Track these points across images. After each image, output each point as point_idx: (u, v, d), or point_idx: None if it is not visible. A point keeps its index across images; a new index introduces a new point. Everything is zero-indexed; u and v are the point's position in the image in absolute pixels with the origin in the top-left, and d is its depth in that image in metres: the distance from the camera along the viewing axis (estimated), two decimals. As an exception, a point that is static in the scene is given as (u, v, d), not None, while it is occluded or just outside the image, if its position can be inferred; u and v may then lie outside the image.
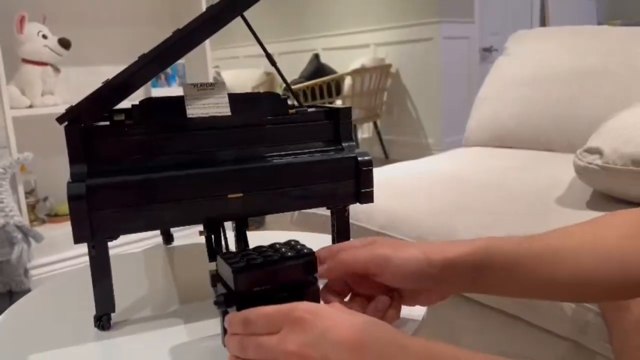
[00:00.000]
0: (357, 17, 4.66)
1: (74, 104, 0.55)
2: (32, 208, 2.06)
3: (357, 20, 4.66)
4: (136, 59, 0.57)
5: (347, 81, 4.06)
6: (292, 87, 3.13)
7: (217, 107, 0.60)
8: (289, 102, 0.65)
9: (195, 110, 0.59)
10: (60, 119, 0.55)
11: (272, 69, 0.70)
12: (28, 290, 1.82)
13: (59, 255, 1.95)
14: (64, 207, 2.14)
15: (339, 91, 4.14)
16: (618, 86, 1.38)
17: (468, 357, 0.38)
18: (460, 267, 0.49)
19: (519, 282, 0.49)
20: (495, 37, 4.35)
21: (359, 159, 0.62)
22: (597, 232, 0.52)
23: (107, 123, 0.59)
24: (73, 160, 0.55)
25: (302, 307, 0.41)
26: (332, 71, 4.49)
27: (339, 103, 4.12)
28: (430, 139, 4.26)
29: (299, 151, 0.62)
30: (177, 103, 0.59)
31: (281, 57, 5.38)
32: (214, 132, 0.60)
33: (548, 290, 0.51)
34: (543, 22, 4.98)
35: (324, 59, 4.74)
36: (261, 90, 5.01)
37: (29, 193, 2.04)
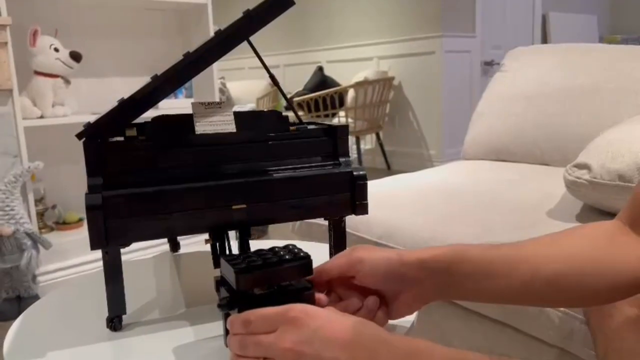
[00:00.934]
0: (360, 31, 4.73)
1: (91, 121, 0.60)
2: (41, 215, 2.12)
3: (360, 34, 4.73)
4: (148, 78, 0.62)
5: (350, 93, 4.12)
6: (296, 98, 3.21)
7: (223, 124, 0.65)
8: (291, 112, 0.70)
9: (203, 127, 0.64)
10: (79, 135, 0.59)
11: (277, 80, 0.75)
12: (36, 296, 1.87)
13: (66, 262, 2.00)
14: (72, 215, 2.20)
15: (342, 103, 4.20)
16: (608, 103, 1.42)
17: (448, 353, 0.42)
18: (431, 267, 0.53)
19: (488, 284, 0.53)
20: (497, 51, 4.40)
21: (354, 173, 0.67)
22: (569, 241, 0.56)
23: (121, 138, 0.64)
24: (90, 173, 0.59)
25: (297, 308, 0.45)
26: (335, 83, 4.56)
27: (342, 114, 4.18)
28: (432, 150, 4.30)
29: (298, 166, 0.67)
30: (187, 120, 0.64)
31: (286, 69, 5.45)
32: (220, 147, 0.64)
33: (518, 295, 0.55)
34: (544, 37, 5.04)
35: (328, 71, 4.80)
36: (266, 101, 5.06)
37: (38, 201, 2.09)
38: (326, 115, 4.13)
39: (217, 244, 0.63)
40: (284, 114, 0.68)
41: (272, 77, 0.74)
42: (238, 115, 0.65)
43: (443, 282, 0.53)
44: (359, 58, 4.72)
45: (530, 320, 0.88)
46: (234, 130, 0.64)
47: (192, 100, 2.46)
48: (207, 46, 0.62)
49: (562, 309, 0.84)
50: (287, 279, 0.54)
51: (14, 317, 1.83)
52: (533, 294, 0.54)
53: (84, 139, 0.60)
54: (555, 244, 0.57)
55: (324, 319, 0.44)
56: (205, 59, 0.63)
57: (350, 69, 4.66)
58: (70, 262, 1.99)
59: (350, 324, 0.44)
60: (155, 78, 0.61)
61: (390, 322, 0.57)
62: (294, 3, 0.65)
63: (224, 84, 5.07)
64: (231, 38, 0.63)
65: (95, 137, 0.60)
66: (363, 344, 0.42)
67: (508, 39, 4.55)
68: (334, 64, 4.94)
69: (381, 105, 4.31)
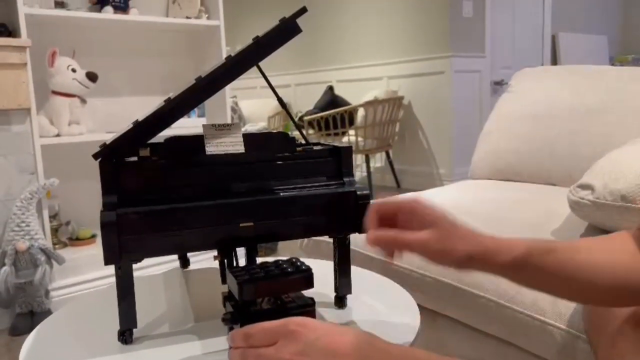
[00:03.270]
0: (370, 51, 4.79)
1: (107, 142, 0.63)
2: (55, 231, 2.15)
3: (370, 54, 4.79)
4: (162, 100, 0.65)
5: (360, 112, 4.16)
6: (307, 117, 3.24)
7: (232, 145, 0.68)
8: (301, 129, 0.73)
9: (213, 147, 0.67)
10: (95, 155, 0.62)
11: (287, 101, 0.78)
12: (48, 311, 1.89)
13: (78, 278, 2.03)
14: (85, 231, 2.24)
15: (352, 122, 4.23)
16: (615, 124, 1.43)
17: None
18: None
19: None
20: (507, 71, 4.43)
21: (358, 192, 0.69)
22: (610, 253, 0.60)
23: (135, 158, 0.67)
24: (105, 191, 0.62)
25: (294, 321, 0.47)
26: (345, 103, 4.60)
27: (352, 133, 4.21)
28: (441, 169, 4.31)
29: (304, 185, 0.70)
30: (198, 141, 0.67)
31: (297, 88, 5.52)
32: (229, 167, 0.67)
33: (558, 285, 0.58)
34: (554, 57, 5.06)
35: (338, 90, 4.85)
36: (277, 119, 5.08)
37: (52, 217, 2.14)
38: (336, 134, 4.16)
39: (226, 261, 0.66)
40: (293, 132, 0.71)
41: (280, 100, 0.77)
42: (247, 137, 0.68)
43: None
44: (369, 78, 4.77)
45: (532, 338, 0.89)
46: (243, 151, 0.67)
47: (204, 119, 2.51)
48: (218, 71, 0.65)
49: (564, 327, 0.85)
50: (289, 290, 0.56)
51: (27, 332, 1.85)
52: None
53: (100, 159, 0.63)
54: (602, 254, 0.60)
55: (322, 331, 0.46)
56: (217, 84, 0.66)
57: (360, 88, 4.71)
58: (82, 277, 2.02)
59: (348, 335, 0.46)
60: (168, 101, 0.64)
61: (395, 331, 0.59)
62: (300, 30, 0.68)
63: (235, 103, 5.14)
64: (241, 63, 0.66)
65: (111, 157, 0.63)
66: (361, 353, 0.44)
67: (518, 59, 4.58)
68: (344, 83, 5.00)
69: (391, 124, 4.34)
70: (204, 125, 0.68)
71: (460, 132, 4.23)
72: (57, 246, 2.13)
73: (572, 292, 0.61)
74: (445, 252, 0.56)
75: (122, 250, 0.61)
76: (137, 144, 0.66)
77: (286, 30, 0.67)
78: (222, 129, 0.68)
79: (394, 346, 0.46)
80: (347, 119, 4.19)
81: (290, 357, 0.45)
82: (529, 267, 0.57)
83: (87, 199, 2.25)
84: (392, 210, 0.58)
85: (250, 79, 5.58)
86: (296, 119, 4.65)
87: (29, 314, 1.87)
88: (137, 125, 0.64)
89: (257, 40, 0.66)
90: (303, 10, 0.67)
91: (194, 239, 0.64)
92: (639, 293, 0.58)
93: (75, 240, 2.21)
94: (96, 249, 2.15)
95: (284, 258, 0.63)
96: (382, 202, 0.58)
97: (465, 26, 4.21)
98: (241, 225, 0.65)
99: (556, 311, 0.87)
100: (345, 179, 0.71)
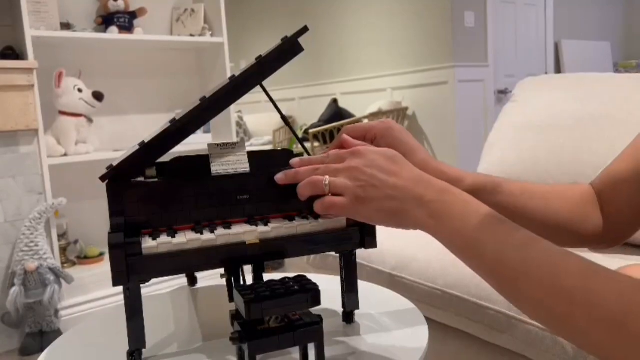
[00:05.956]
0: (374, 63, 4.82)
1: (114, 164, 0.64)
2: (63, 250, 2.17)
3: (374, 66, 4.82)
4: (167, 121, 0.66)
5: (365, 124, 4.17)
6: (312, 130, 3.25)
7: (237, 164, 0.68)
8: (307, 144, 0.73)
9: (218, 167, 0.67)
10: (102, 177, 0.63)
11: (292, 114, 0.79)
12: (58, 330, 1.90)
13: (87, 297, 2.04)
14: (93, 250, 2.25)
15: (357, 134, 4.25)
16: (621, 132, 1.43)
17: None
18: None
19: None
20: (510, 80, 4.44)
21: (364, 208, 0.69)
22: (557, 202, 0.70)
23: (142, 179, 0.68)
24: (113, 213, 0.63)
25: (360, 147, 0.60)
26: (350, 115, 4.62)
27: (357, 145, 4.22)
28: (448, 179, 4.31)
29: (309, 202, 0.70)
30: (203, 161, 0.67)
31: (301, 101, 5.55)
32: (234, 186, 0.68)
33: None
34: (557, 64, 5.07)
35: (342, 103, 4.87)
36: (282, 133, 5.09)
37: (61, 236, 2.15)
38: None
39: (232, 279, 0.66)
40: (298, 146, 0.72)
41: (283, 117, 0.77)
42: (251, 155, 0.69)
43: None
44: (373, 89, 4.79)
45: (544, 351, 0.88)
46: (248, 170, 0.68)
47: (209, 135, 2.52)
48: (222, 92, 0.66)
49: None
50: (296, 308, 0.56)
51: (37, 352, 1.86)
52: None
53: (107, 180, 0.63)
54: (547, 201, 0.70)
55: (379, 154, 0.59)
56: (221, 104, 0.67)
57: (365, 100, 4.73)
58: (91, 296, 2.03)
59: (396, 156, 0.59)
60: (174, 123, 0.65)
61: (404, 346, 0.58)
62: (302, 49, 0.69)
63: (240, 118, 5.17)
64: (245, 84, 0.67)
65: (118, 179, 0.64)
66: (410, 170, 0.57)
67: (521, 68, 4.59)
68: (349, 95, 5.02)
69: (396, 135, 4.35)
70: (209, 145, 0.68)
71: (465, 142, 4.23)
72: (65, 265, 2.14)
73: None
74: None
75: (130, 272, 0.61)
76: (143, 165, 0.67)
77: (288, 49, 0.68)
78: (226, 147, 0.69)
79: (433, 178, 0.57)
80: (352, 131, 4.20)
81: (356, 165, 0.58)
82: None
83: (94, 218, 2.26)
84: (362, 132, 0.68)
85: (255, 93, 5.60)
86: (301, 132, 4.67)
87: (39, 334, 1.88)
88: (143, 146, 0.64)
89: (259, 60, 0.67)
90: (304, 29, 0.68)
91: (201, 258, 0.64)
92: (575, 237, 0.70)
93: (84, 258, 2.22)
94: (104, 267, 2.16)
95: (291, 275, 0.63)
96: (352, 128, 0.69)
97: (468, 36, 4.23)
98: (247, 243, 0.65)
99: (566, 322, 0.87)
100: (350, 195, 0.71)
